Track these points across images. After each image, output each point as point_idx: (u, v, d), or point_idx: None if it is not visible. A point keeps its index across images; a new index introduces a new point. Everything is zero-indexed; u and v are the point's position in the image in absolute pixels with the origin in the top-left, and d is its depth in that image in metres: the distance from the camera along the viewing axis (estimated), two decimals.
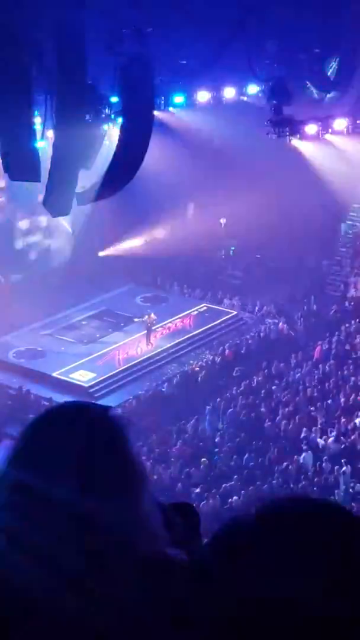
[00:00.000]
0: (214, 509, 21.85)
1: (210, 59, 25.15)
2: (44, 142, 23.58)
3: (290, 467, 24.59)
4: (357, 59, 27.91)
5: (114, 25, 21.62)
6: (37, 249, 38.03)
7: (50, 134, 23.05)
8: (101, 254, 39.11)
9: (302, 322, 34.44)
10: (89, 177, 23.49)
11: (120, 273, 37.86)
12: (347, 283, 37.14)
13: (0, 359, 32.01)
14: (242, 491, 23.02)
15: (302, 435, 26.21)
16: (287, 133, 28.03)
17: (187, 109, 32.35)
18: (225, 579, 1.37)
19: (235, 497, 22.71)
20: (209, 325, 35.22)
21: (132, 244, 39.16)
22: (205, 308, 36.73)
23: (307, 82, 28.99)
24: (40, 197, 23.73)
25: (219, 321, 35.65)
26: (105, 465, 1.96)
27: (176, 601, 1.53)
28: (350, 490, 23.42)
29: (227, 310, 36.59)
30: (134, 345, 33.24)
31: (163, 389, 30.11)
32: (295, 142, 30.76)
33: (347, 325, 33.50)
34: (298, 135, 29.10)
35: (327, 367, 30.53)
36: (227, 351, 32.25)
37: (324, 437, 26.19)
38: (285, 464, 24.77)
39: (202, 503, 21.87)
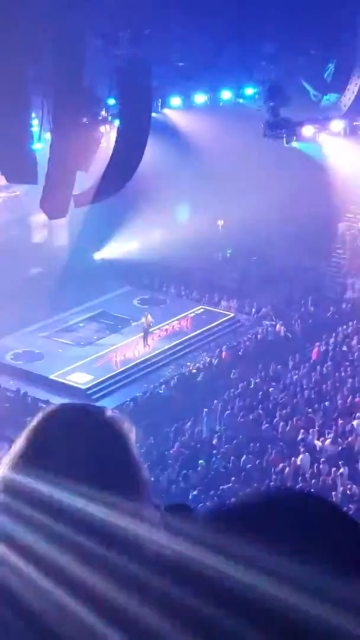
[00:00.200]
0: None
1: (207, 61, 25.17)
2: (41, 145, 23.61)
3: (287, 469, 24.59)
4: (354, 61, 27.94)
5: (111, 27, 21.63)
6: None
7: (47, 136, 23.06)
8: (98, 256, 39.12)
9: (299, 324, 34.45)
10: (86, 179, 23.50)
11: (117, 275, 37.86)
12: (344, 285, 37.16)
13: None
14: (240, 493, 23.01)
15: (300, 437, 26.21)
16: (284, 135, 28.05)
17: (184, 110, 32.40)
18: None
19: (233, 499, 22.64)
20: (206, 328, 35.22)
21: (129, 246, 39.15)
22: (202, 310, 36.73)
23: (304, 84, 29.02)
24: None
25: (216, 323, 35.66)
26: (108, 468, 1.96)
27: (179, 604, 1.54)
28: (348, 492, 23.41)
29: (224, 312, 36.60)
30: (131, 348, 33.23)
31: (160, 391, 30.09)
32: (292, 143, 30.75)
33: (344, 327, 33.51)
34: (295, 137, 29.11)
35: (324, 369, 30.54)
36: (224, 353, 32.26)
37: (322, 439, 26.19)
38: (282, 465, 24.75)
39: (200, 505, 21.85)
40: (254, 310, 36.31)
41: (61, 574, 1.82)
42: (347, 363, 30.92)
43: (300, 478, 24.23)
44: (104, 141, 25.34)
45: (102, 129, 25.75)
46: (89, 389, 30.46)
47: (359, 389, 29.07)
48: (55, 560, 1.84)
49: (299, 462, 24.88)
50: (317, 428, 26.70)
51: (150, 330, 33.65)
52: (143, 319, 33.53)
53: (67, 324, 35.47)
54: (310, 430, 26.47)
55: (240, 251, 38.93)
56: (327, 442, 25.92)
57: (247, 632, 1.31)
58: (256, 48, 26.84)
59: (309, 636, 1.28)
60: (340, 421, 27.06)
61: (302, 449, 25.45)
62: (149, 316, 33.61)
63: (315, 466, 24.69)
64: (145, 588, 1.78)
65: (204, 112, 32.78)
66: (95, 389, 30.58)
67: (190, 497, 22.78)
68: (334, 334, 32.96)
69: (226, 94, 31.25)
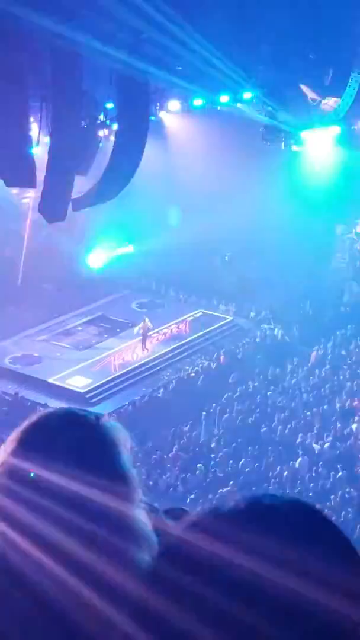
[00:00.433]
0: None
1: (206, 65, 25.18)
2: (40, 148, 23.63)
3: (286, 472, 24.59)
4: (352, 65, 27.99)
5: (109, 31, 21.64)
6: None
7: (46, 139, 23.08)
8: (96, 259, 39.11)
9: (298, 327, 34.47)
10: (84, 183, 23.52)
11: (116, 279, 37.89)
12: (342, 288, 37.19)
13: None
14: (231, 497, 22.96)
15: (298, 440, 26.23)
16: (282, 139, 28.10)
17: (181, 114, 32.43)
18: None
19: (224, 502, 22.62)
20: (205, 331, 35.24)
21: (127, 250, 39.19)
22: (200, 314, 36.75)
23: (303, 88, 29.06)
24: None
25: (214, 327, 35.67)
26: (95, 471, 1.97)
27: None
28: (346, 495, 23.41)
29: (222, 316, 36.62)
30: (129, 351, 33.23)
31: (159, 395, 30.09)
32: (289, 146, 30.81)
33: (342, 330, 33.55)
34: (293, 141, 29.16)
35: (322, 372, 30.56)
36: (222, 357, 32.27)
37: (320, 442, 26.20)
38: (279, 468, 24.76)
39: (198, 509, 21.81)
40: (252, 313, 36.32)
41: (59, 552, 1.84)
42: (345, 366, 30.95)
43: (298, 482, 24.23)
44: (103, 145, 25.37)
45: (100, 132, 25.78)
46: (87, 392, 30.44)
47: (357, 392, 29.10)
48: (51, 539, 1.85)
49: (297, 466, 24.89)
50: (315, 431, 26.71)
51: (149, 333, 33.66)
52: (141, 324, 33.53)
53: (65, 328, 35.47)
54: (309, 434, 26.49)
55: (238, 255, 38.94)
56: (326, 445, 25.94)
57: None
58: (254, 52, 26.87)
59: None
60: (338, 424, 27.08)
61: (300, 452, 25.47)
62: (147, 320, 33.61)
63: (313, 470, 24.70)
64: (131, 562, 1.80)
65: (201, 115, 32.82)
66: (93, 393, 30.56)
67: (188, 500, 22.76)
68: (332, 338, 33.00)
69: (224, 98, 31.28)
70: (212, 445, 26.76)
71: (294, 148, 31.38)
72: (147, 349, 33.31)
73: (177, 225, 38.32)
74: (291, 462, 25.07)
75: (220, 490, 23.57)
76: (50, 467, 1.95)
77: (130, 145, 23.59)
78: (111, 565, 1.90)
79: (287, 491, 23.46)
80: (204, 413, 27.99)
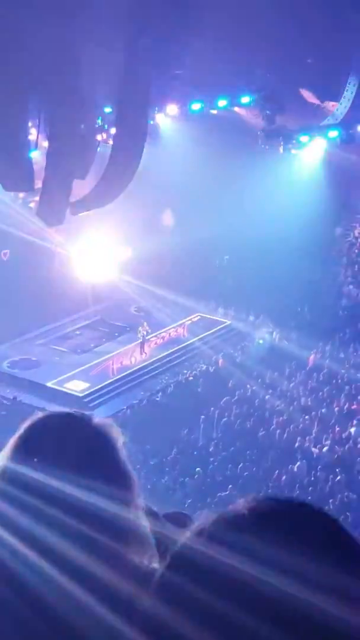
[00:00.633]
0: None
1: (204, 70, 25.24)
2: (38, 152, 23.65)
3: (284, 476, 24.58)
4: (349, 69, 28.05)
5: (108, 35, 21.67)
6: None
7: (44, 144, 23.10)
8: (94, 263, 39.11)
9: (296, 331, 34.45)
10: (83, 187, 23.53)
11: (114, 282, 37.87)
12: (341, 292, 37.19)
13: None
14: (237, 500, 22.96)
15: (297, 444, 26.21)
16: (280, 143, 28.13)
17: (179, 117, 32.50)
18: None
19: (233, 505, 22.62)
20: (203, 335, 35.22)
21: (126, 253, 39.16)
22: (199, 317, 36.75)
23: (300, 92, 29.11)
24: None
25: (212, 330, 35.65)
26: (94, 473, 1.96)
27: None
28: (345, 499, 23.40)
29: (220, 319, 36.61)
30: (128, 355, 33.22)
31: (157, 399, 30.08)
32: (288, 150, 30.85)
33: (341, 334, 33.55)
34: (291, 145, 29.19)
35: (321, 376, 30.56)
36: (220, 360, 32.26)
37: (318, 446, 26.19)
38: (277, 472, 24.74)
39: (197, 513, 21.79)
40: (250, 317, 36.31)
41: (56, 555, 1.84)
42: (343, 370, 30.95)
43: (297, 485, 24.22)
44: (101, 149, 25.39)
45: (98, 136, 25.80)
46: (85, 396, 30.43)
47: (355, 396, 29.09)
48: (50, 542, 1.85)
49: (296, 470, 24.87)
50: (313, 435, 26.70)
51: (147, 337, 33.65)
52: (140, 328, 33.54)
53: (63, 332, 35.46)
54: (307, 438, 26.47)
55: (236, 258, 38.94)
56: (324, 449, 25.93)
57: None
58: (252, 56, 26.92)
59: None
60: (337, 428, 27.07)
61: (299, 456, 25.45)
62: (145, 324, 33.62)
63: (312, 473, 24.68)
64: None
65: (199, 118, 32.88)
66: (92, 397, 30.55)
67: (186, 504, 22.75)
68: (330, 341, 33.00)
69: (222, 102, 31.36)
70: (211, 449, 26.74)
71: (293, 152, 31.40)
72: (145, 353, 33.31)
73: (174, 228, 38.33)
74: (290, 466, 25.05)
75: (218, 494, 23.57)
76: (49, 470, 1.95)
77: (128, 149, 23.61)
78: (111, 569, 1.89)
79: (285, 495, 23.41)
80: (203, 417, 27.97)
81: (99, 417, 2.17)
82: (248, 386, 29.98)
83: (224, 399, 29.35)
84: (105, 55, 22.05)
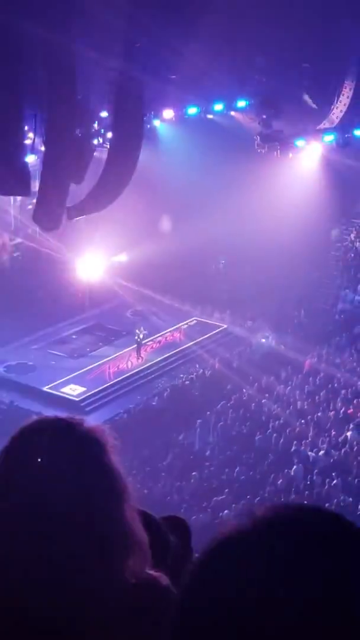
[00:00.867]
0: (205, 523, 21.80)
1: (200, 74, 25.25)
2: (35, 157, 23.65)
3: (281, 480, 24.57)
4: (346, 73, 28.06)
5: (104, 40, 21.68)
6: None
7: (40, 148, 23.10)
8: (89, 267, 39.13)
9: (292, 335, 34.46)
10: (79, 192, 23.53)
11: (110, 287, 37.89)
12: (336, 296, 37.22)
13: None
14: (233, 505, 22.99)
15: (293, 448, 26.21)
16: (277, 147, 28.14)
17: (175, 123, 32.53)
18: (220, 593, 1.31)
19: (226, 511, 22.67)
20: (199, 339, 35.24)
21: (119, 258, 39.21)
22: (195, 322, 36.76)
23: (296, 96, 29.11)
24: None
25: (209, 335, 35.67)
26: (84, 476, 1.97)
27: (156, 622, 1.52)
28: (341, 503, 23.40)
29: (217, 323, 36.63)
30: (124, 359, 33.23)
31: (154, 403, 30.07)
32: (284, 154, 30.86)
33: (337, 338, 33.57)
34: (287, 149, 29.19)
35: (317, 380, 30.57)
36: (217, 365, 32.26)
37: (315, 450, 26.19)
38: (273, 476, 24.74)
39: (193, 517, 21.82)
40: (247, 321, 36.32)
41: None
42: (339, 374, 30.96)
43: (293, 489, 24.22)
44: (97, 153, 25.38)
45: (95, 141, 25.80)
46: (82, 400, 30.42)
47: (351, 400, 29.10)
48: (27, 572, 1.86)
49: (292, 473, 24.87)
50: (310, 439, 26.71)
51: (143, 342, 33.65)
52: (137, 331, 33.55)
53: (60, 336, 35.45)
54: (303, 442, 26.48)
55: (233, 262, 38.96)
56: (321, 453, 25.93)
57: None
58: (248, 61, 26.93)
59: None
60: (333, 432, 27.08)
61: (295, 460, 25.45)
62: (142, 328, 33.64)
63: (308, 477, 24.68)
64: None
65: (196, 123, 32.91)
66: (88, 401, 30.55)
67: (182, 509, 22.74)
68: (326, 345, 33.02)
69: (219, 107, 31.39)
70: (207, 454, 26.75)
71: (289, 156, 31.41)
72: (141, 357, 33.31)
73: (170, 232, 38.35)
74: (286, 470, 25.05)
75: (214, 499, 23.56)
76: (39, 475, 1.95)
77: (124, 154, 23.60)
78: (102, 574, 1.89)
79: (282, 499, 23.45)
80: (199, 421, 27.97)
81: (91, 421, 2.18)
82: (244, 390, 29.98)
83: (221, 403, 29.36)
84: (100, 60, 22.06)
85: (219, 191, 35.81)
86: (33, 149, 24.04)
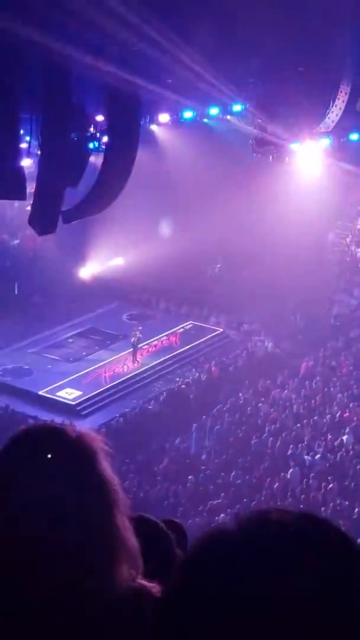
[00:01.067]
0: (201, 526, 21.78)
1: (196, 78, 25.24)
2: (30, 161, 23.65)
3: (277, 484, 24.56)
4: (341, 77, 28.10)
5: (99, 43, 21.69)
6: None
7: (36, 152, 23.09)
8: (86, 271, 39.15)
9: (288, 339, 34.48)
10: (75, 195, 23.52)
11: (106, 291, 37.88)
12: (332, 300, 37.24)
13: None
14: (229, 509, 22.98)
15: (289, 452, 26.20)
16: (273, 152, 28.14)
17: (171, 127, 32.54)
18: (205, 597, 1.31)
19: (222, 515, 22.65)
20: (195, 343, 35.24)
21: (116, 262, 39.23)
22: (191, 325, 36.75)
23: (292, 100, 29.12)
24: None
25: (205, 339, 35.67)
26: (76, 484, 1.96)
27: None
28: (337, 507, 23.40)
29: (213, 327, 36.63)
30: (120, 363, 33.21)
31: (150, 407, 30.05)
32: (279, 159, 30.86)
33: (333, 342, 33.59)
34: (283, 154, 29.18)
35: (313, 384, 30.57)
36: (213, 368, 32.26)
37: (311, 453, 26.19)
38: (269, 480, 24.73)
39: (189, 521, 21.81)
40: (243, 325, 36.34)
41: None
42: (335, 378, 30.97)
43: (289, 493, 24.20)
44: (93, 157, 25.38)
45: (90, 145, 25.80)
46: (78, 404, 30.40)
47: (347, 404, 29.12)
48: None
49: (288, 477, 24.86)
50: (306, 443, 26.70)
51: (139, 345, 33.64)
52: (134, 334, 33.54)
53: (56, 340, 35.43)
54: (300, 445, 26.47)
55: (229, 266, 38.99)
56: (317, 456, 25.93)
57: None
58: (244, 65, 26.94)
59: None
60: (329, 436, 27.08)
61: (291, 464, 25.44)
62: (138, 332, 33.62)
63: (304, 481, 24.67)
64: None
65: (192, 127, 32.93)
66: (84, 405, 30.52)
67: (179, 513, 22.71)
68: (322, 349, 33.04)
69: (214, 111, 31.40)
70: (203, 457, 26.73)
71: (285, 160, 31.42)
72: (137, 361, 33.30)
73: (166, 236, 38.37)
74: (282, 473, 25.05)
75: (210, 503, 23.54)
76: (30, 482, 1.94)
77: (120, 158, 23.60)
78: (93, 580, 1.88)
79: (278, 503, 23.44)
80: (195, 425, 27.97)
81: (87, 425, 2.17)
82: (240, 394, 29.98)
83: (217, 407, 29.36)
84: (96, 64, 22.06)
85: (216, 195, 35.82)
86: (29, 153, 24.04)
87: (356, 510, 23.27)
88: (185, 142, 34.32)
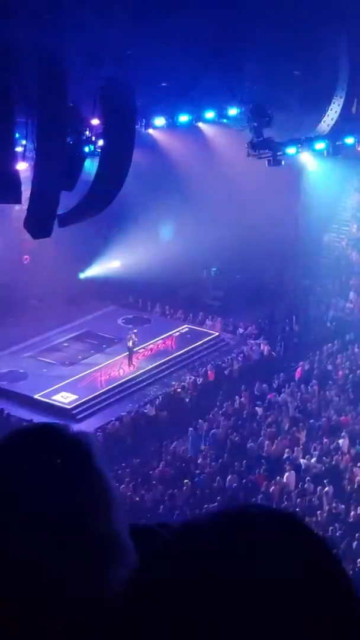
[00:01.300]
0: None
1: (191, 82, 25.30)
2: (26, 164, 23.66)
3: (273, 487, 24.55)
4: (336, 81, 28.15)
5: (95, 47, 21.72)
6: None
7: (31, 155, 23.10)
8: (82, 275, 39.15)
9: (284, 342, 34.49)
10: (70, 199, 23.52)
11: (102, 295, 37.89)
12: (328, 303, 37.25)
13: None
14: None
15: (285, 455, 26.20)
16: (269, 155, 28.16)
17: (167, 130, 32.59)
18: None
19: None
20: (191, 347, 35.22)
21: (113, 265, 39.21)
22: (186, 329, 36.74)
23: (288, 104, 29.17)
24: None
25: (200, 342, 35.66)
26: (71, 487, 1.94)
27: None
28: (333, 510, 23.40)
29: (208, 331, 36.62)
30: (116, 367, 33.18)
31: (146, 410, 30.03)
32: (275, 162, 30.90)
33: (328, 345, 33.60)
34: (278, 158, 29.18)
35: (309, 387, 30.58)
36: (209, 372, 32.25)
37: (307, 457, 26.19)
38: (265, 483, 24.72)
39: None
40: (238, 329, 36.34)
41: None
42: (331, 382, 30.98)
43: (285, 497, 24.20)
44: (89, 160, 25.40)
45: (86, 148, 25.82)
46: (73, 408, 30.36)
47: (343, 407, 29.13)
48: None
49: (284, 481, 24.86)
50: (302, 446, 26.71)
51: (135, 349, 33.62)
52: (129, 336, 33.52)
53: (51, 344, 35.39)
54: (295, 449, 26.47)
55: (224, 270, 39.01)
56: (313, 460, 25.93)
57: None
58: (239, 69, 26.99)
59: None
60: (325, 439, 27.08)
61: (287, 467, 25.43)
62: (134, 336, 33.60)
63: (300, 485, 24.67)
64: None
65: (188, 131, 32.97)
66: (80, 409, 30.48)
67: (174, 517, 22.69)
68: (318, 353, 33.04)
69: (210, 114, 31.45)
70: (199, 461, 26.71)
71: (280, 163, 31.46)
72: (133, 365, 33.27)
73: (163, 240, 38.40)
74: (278, 477, 25.04)
75: (206, 506, 23.52)
76: (23, 483, 1.93)
77: (115, 161, 23.63)
78: (85, 585, 1.87)
79: (274, 506, 23.38)
80: (191, 428, 27.95)
81: (80, 428, 2.16)
82: (236, 398, 29.97)
83: (212, 410, 29.35)
84: (92, 67, 22.10)
85: (213, 198, 35.84)
86: (24, 157, 24.05)
87: (352, 513, 23.28)
88: (181, 145, 34.35)
